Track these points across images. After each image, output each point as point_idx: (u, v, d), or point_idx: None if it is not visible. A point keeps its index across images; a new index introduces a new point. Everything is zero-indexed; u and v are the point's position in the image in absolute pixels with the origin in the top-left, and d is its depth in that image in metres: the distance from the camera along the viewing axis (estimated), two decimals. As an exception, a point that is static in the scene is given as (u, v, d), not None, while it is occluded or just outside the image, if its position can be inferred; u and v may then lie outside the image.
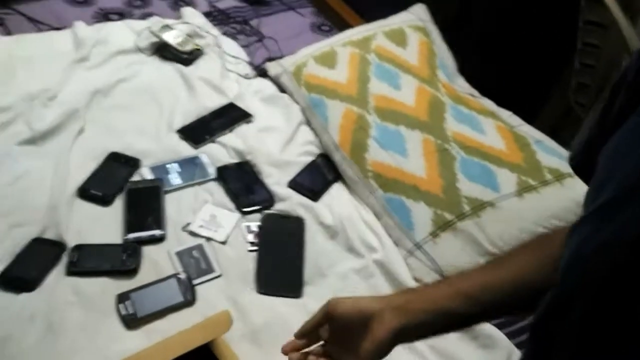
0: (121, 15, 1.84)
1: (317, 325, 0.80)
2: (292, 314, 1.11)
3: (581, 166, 0.65)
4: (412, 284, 1.16)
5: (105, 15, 1.83)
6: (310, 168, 1.37)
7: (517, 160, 1.27)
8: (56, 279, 1.11)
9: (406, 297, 0.75)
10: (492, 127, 1.37)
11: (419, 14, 1.68)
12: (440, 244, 1.18)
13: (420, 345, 1.09)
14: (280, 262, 1.18)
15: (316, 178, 1.35)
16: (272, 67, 1.61)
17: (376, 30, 1.60)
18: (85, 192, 1.26)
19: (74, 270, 1.12)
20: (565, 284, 0.58)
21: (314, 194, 1.31)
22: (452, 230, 1.18)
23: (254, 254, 1.19)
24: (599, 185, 0.55)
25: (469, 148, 1.30)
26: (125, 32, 1.71)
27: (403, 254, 1.20)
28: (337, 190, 1.34)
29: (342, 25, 1.78)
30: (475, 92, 1.54)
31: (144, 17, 1.82)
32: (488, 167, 1.27)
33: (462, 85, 1.56)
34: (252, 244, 1.21)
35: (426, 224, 1.20)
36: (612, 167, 0.54)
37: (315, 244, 1.23)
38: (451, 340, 1.09)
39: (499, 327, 1.13)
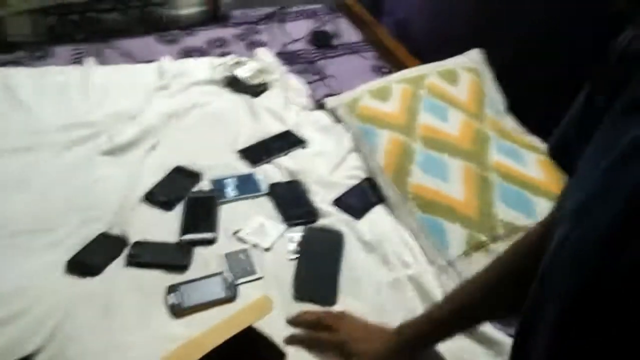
0: (202, 53, 2.04)
1: (317, 321, 0.98)
2: (325, 319, 1.17)
3: (558, 155, 0.70)
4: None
5: (188, 53, 2.04)
6: (355, 189, 1.45)
7: (555, 190, 1.30)
8: (116, 268, 1.24)
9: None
10: (534, 160, 1.41)
11: (473, 57, 1.76)
12: (473, 263, 1.21)
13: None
14: (317, 271, 1.26)
15: (360, 198, 1.43)
16: (330, 101, 1.73)
17: (430, 70, 1.70)
18: (151, 197, 1.40)
19: (132, 261, 1.25)
20: (544, 284, 0.62)
21: (357, 213, 1.39)
22: (484, 251, 1.22)
23: (294, 262, 1.28)
24: (574, 188, 0.58)
25: (508, 176, 1.34)
26: (203, 67, 1.91)
27: (436, 271, 1.25)
28: (378, 211, 1.41)
29: (401, 68, 1.88)
30: (522, 129, 1.58)
31: (222, 55, 2.01)
32: (525, 195, 1.30)
33: (508, 122, 1.61)
34: (293, 252, 1.30)
35: (460, 244, 1.24)
36: (587, 172, 0.57)
37: (353, 257, 1.29)
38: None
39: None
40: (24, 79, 1.76)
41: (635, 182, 0.50)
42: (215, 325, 1.05)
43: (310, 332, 1.05)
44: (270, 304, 1.07)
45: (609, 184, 0.53)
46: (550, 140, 0.72)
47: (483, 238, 1.23)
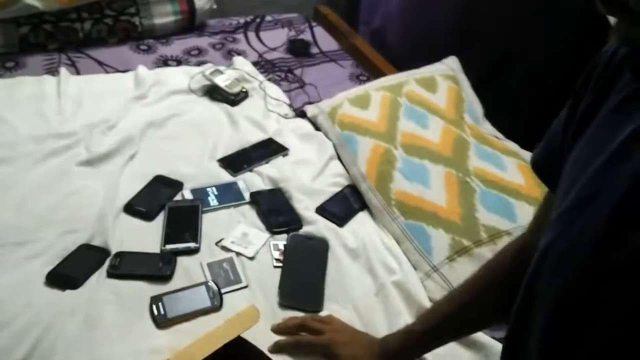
0: (179, 62, 2.03)
1: (302, 325, 1.07)
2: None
3: (541, 169, 0.71)
4: (428, 304, 1.21)
5: (164, 62, 2.02)
6: (337, 196, 1.45)
7: (535, 195, 1.32)
8: (98, 280, 1.21)
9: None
10: (514, 165, 1.43)
11: (450, 64, 1.79)
12: (457, 267, 1.22)
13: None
14: (302, 278, 1.25)
15: (343, 206, 1.43)
16: (310, 109, 1.73)
17: (409, 77, 1.72)
18: (131, 208, 1.38)
19: (114, 273, 1.22)
20: (533, 290, 0.63)
21: (340, 220, 1.39)
22: (468, 256, 1.23)
23: (279, 270, 1.27)
24: (565, 191, 0.59)
25: (489, 182, 1.36)
26: (181, 76, 1.89)
27: (420, 276, 1.26)
28: (361, 218, 1.42)
29: (379, 76, 1.90)
30: (500, 135, 1.61)
31: (199, 64, 2.00)
32: (506, 199, 1.32)
33: (487, 128, 1.64)
34: (278, 260, 1.29)
35: (444, 248, 1.25)
36: (574, 177, 0.58)
37: (338, 264, 1.29)
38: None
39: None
40: (-4, 89, 1.72)
41: (637, 170, 0.50)
42: (204, 336, 1.04)
43: (295, 336, 1.05)
44: (258, 314, 1.07)
45: (607, 177, 0.53)
46: (534, 154, 0.73)
47: (467, 243, 1.25)
